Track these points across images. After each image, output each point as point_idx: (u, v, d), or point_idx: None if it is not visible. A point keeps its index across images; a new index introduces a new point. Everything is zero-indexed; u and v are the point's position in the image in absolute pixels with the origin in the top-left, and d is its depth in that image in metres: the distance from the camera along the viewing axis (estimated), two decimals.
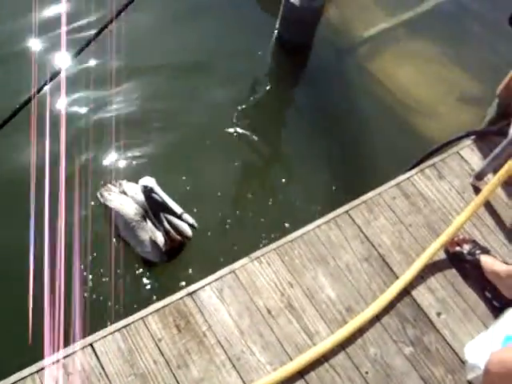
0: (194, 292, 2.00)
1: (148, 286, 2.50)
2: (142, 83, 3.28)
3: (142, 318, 1.91)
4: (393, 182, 2.44)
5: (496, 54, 3.70)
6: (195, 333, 1.91)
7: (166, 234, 2.43)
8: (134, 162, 2.92)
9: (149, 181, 2.39)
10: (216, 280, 2.04)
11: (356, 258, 2.18)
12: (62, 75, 2.27)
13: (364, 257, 2.18)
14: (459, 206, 2.39)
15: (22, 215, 2.58)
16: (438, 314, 2.07)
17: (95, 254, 2.50)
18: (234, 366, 1.86)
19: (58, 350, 1.79)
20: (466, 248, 2.17)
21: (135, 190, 2.60)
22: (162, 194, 2.38)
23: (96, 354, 1.81)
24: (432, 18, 4.00)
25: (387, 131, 3.28)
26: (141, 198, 2.50)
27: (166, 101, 3.22)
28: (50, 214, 2.30)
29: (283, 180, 2.97)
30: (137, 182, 2.56)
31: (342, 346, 1.93)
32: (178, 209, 2.35)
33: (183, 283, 2.47)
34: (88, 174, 2.73)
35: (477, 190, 2.44)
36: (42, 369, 1.75)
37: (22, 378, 1.73)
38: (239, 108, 3.27)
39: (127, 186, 2.67)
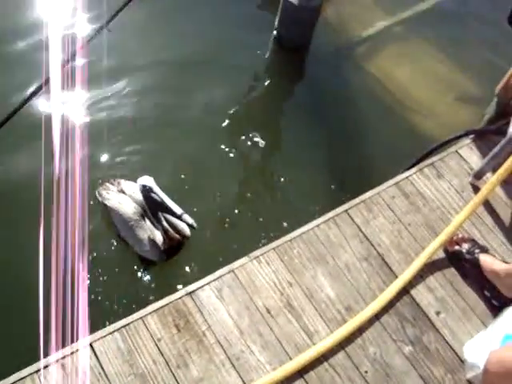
0: (194, 292, 2.00)
1: (147, 286, 2.50)
2: (139, 80, 3.28)
3: (141, 318, 1.91)
4: (392, 182, 2.44)
5: (495, 53, 3.70)
6: (194, 332, 1.91)
7: (165, 232, 2.43)
8: (132, 161, 2.91)
9: (147, 180, 2.39)
10: (215, 279, 2.04)
11: (355, 257, 2.18)
12: (54, 77, 2.27)
13: (363, 256, 2.18)
14: (458, 205, 2.39)
15: (20, 215, 2.60)
16: (438, 313, 2.07)
17: (94, 254, 2.50)
18: (233, 365, 1.86)
19: (58, 349, 1.79)
20: (465, 247, 2.17)
21: (133, 189, 2.60)
22: (160, 194, 2.38)
23: (95, 354, 1.81)
24: (431, 17, 4.00)
25: (386, 130, 3.28)
26: (139, 196, 2.49)
27: (163, 98, 3.22)
28: (45, 214, 2.30)
29: (282, 179, 2.97)
30: (135, 181, 2.55)
31: (342, 345, 1.93)
32: (177, 209, 2.34)
33: (182, 283, 2.47)
34: (85, 172, 2.72)
35: (476, 189, 2.44)
36: (42, 368, 1.75)
37: (22, 378, 1.73)
38: (237, 107, 3.27)
39: (125, 184, 2.66)
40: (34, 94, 2.18)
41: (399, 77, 3.58)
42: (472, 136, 2.66)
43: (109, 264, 2.50)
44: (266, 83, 3.52)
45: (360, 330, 1.97)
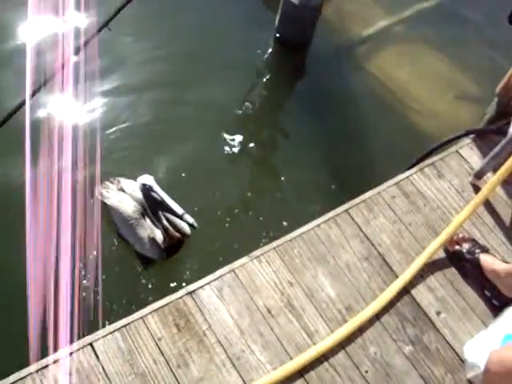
0: (194, 291, 2.00)
1: (147, 285, 2.50)
2: (138, 78, 3.28)
3: (141, 318, 1.91)
4: (392, 181, 2.44)
5: (496, 52, 3.70)
6: (195, 332, 1.91)
7: (165, 231, 2.42)
8: (131, 159, 2.90)
9: (147, 179, 2.39)
10: (216, 279, 2.04)
11: (356, 257, 2.18)
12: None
13: (364, 256, 2.18)
14: (459, 204, 2.39)
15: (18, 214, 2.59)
16: (438, 313, 2.07)
17: (94, 253, 2.50)
18: (233, 365, 1.86)
19: (58, 349, 1.79)
20: (466, 247, 2.17)
21: (133, 188, 2.59)
22: (161, 193, 2.38)
23: (96, 354, 1.81)
24: (432, 16, 4.00)
25: (386, 130, 3.28)
26: (139, 195, 2.49)
27: (162, 96, 3.22)
28: (45, 213, 2.30)
29: (282, 179, 2.96)
30: (135, 180, 2.55)
31: (342, 345, 1.93)
32: (178, 209, 2.34)
33: (182, 282, 2.47)
34: (85, 171, 2.72)
35: (476, 189, 2.44)
36: (42, 369, 1.75)
37: (22, 378, 1.73)
38: (238, 106, 3.27)
39: (125, 183, 2.66)
40: (33, 94, 2.17)
41: (399, 76, 3.58)
42: (472, 136, 2.66)
43: (109, 263, 2.50)
44: (266, 82, 3.52)
45: (360, 330, 1.97)
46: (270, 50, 3.65)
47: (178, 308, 1.95)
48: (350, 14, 3.95)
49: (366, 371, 1.90)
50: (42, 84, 2.20)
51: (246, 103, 3.34)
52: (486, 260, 2.11)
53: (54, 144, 2.76)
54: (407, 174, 2.48)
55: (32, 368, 1.74)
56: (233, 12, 3.73)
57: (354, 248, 2.20)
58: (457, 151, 2.59)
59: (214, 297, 2.00)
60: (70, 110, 3.03)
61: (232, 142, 3.08)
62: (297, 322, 1.98)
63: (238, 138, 3.11)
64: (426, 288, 2.12)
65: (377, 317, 2.01)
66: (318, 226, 2.24)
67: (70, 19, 3.32)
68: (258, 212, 2.78)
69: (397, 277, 2.11)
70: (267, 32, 3.68)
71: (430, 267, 2.16)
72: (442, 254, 2.21)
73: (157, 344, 1.86)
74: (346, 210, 2.30)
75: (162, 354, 1.84)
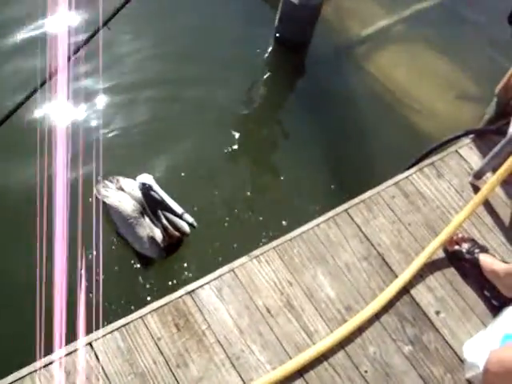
0: (193, 291, 1.99)
1: (146, 284, 2.49)
2: (136, 76, 3.27)
3: (141, 317, 1.91)
4: (392, 181, 2.44)
5: (495, 52, 3.70)
6: (194, 332, 1.90)
7: (164, 230, 2.42)
8: (131, 159, 2.90)
9: (147, 178, 2.39)
10: (215, 279, 2.04)
11: (355, 257, 2.18)
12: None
13: (363, 256, 2.18)
14: (458, 204, 2.39)
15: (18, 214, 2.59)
16: (437, 313, 2.07)
17: (93, 252, 2.50)
18: (233, 365, 1.85)
19: (57, 349, 1.79)
20: (465, 247, 2.17)
21: (132, 187, 2.59)
22: (160, 192, 2.38)
23: (95, 353, 1.81)
24: (431, 15, 4.00)
25: (386, 130, 3.28)
26: (138, 194, 2.49)
27: (160, 94, 3.22)
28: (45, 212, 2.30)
29: (282, 178, 2.96)
30: (134, 179, 2.55)
31: (342, 345, 1.93)
32: (178, 208, 2.34)
33: (182, 282, 2.47)
34: (83, 170, 2.72)
35: (476, 189, 2.44)
36: (41, 368, 1.74)
37: (21, 378, 1.72)
38: (236, 105, 3.27)
39: (124, 182, 2.66)
40: (33, 93, 2.17)
41: (399, 76, 3.58)
42: (472, 136, 2.66)
43: (108, 262, 2.49)
44: (266, 82, 3.52)
45: (360, 330, 1.97)
46: (269, 50, 3.65)
47: (178, 308, 1.95)
48: (349, 13, 3.94)
49: (366, 371, 1.90)
50: (39, 85, 2.19)
51: (246, 103, 3.34)
52: (485, 260, 2.11)
53: (52, 143, 2.75)
54: (407, 173, 2.48)
55: (31, 367, 1.74)
56: (232, 11, 3.72)
57: (354, 248, 2.20)
58: (456, 151, 2.59)
59: (213, 296, 1.99)
60: (69, 108, 3.02)
61: (231, 141, 3.08)
62: (296, 322, 1.98)
63: (238, 137, 3.11)
64: (425, 288, 2.12)
65: (376, 317, 2.01)
66: (318, 225, 2.24)
67: (69, 18, 3.32)
68: (258, 211, 2.78)
69: (396, 277, 2.11)
70: (267, 31, 3.67)
71: (430, 267, 2.16)
72: (441, 254, 2.21)
73: (156, 344, 1.86)
74: (346, 210, 2.30)
75: (162, 354, 1.84)
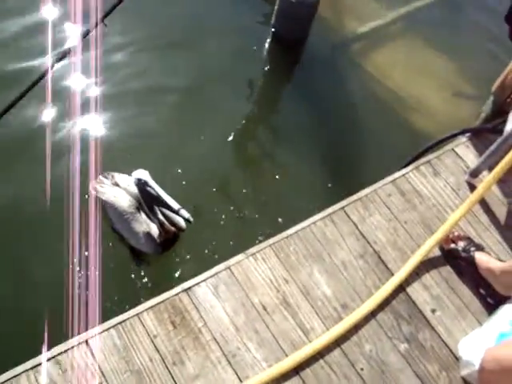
0: (190, 288, 1.99)
1: (142, 280, 2.49)
2: (134, 74, 3.26)
3: (137, 315, 1.90)
4: (388, 179, 2.44)
5: (494, 50, 3.70)
6: (191, 329, 1.90)
7: (161, 225, 2.42)
8: (126, 155, 2.89)
9: (142, 173, 2.38)
10: (211, 276, 2.03)
11: (351, 254, 2.18)
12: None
13: (359, 253, 2.18)
14: (454, 203, 2.39)
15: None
16: (433, 311, 2.08)
17: (88, 249, 2.49)
18: (229, 362, 1.85)
19: (53, 346, 1.78)
20: (461, 245, 2.18)
21: (128, 182, 2.58)
22: (156, 188, 2.37)
23: (91, 351, 1.80)
24: (428, 13, 4.00)
25: (382, 128, 3.29)
26: (134, 189, 2.48)
27: (160, 91, 3.20)
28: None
29: (278, 176, 2.96)
30: (129, 174, 2.54)
31: (338, 342, 1.93)
32: (174, 204, 2.33)
33: (178, 278, 2.47)
34: (79, 166, 2.71)
35: (472, 188, 2.44)
36: (37, 366, 1.74)
37: (16, 375, 1.71)
38: (232, 103, 3.26)
39: (119, 177, 2.64)
40: (26, 91, 2.15)
41: (396, 74, 3.58)
42: (468, 134, 2.66)
43: (103, 259, 2.48)
44: (262, 79, 3.51)
45: (356, 328, 1.97)
46: (265, 47, 3.64)
47: (174, 305, 1.95)
48: (346, 11, 3.94)
49: (362, 369, 1.91)
50: (35, 82, 2.18)
51: (241, 100, 3.33)
52: (481, 258, 2.12)
53: (49, 141, 2.76)
54: (403, 171, 2.48)
55: (27, 365, 1.73)
56: (229, 8, 3.71)
57: (350, 246, 2.20)
58: (453, 149, 2.60)
59: (209, 294, 1.99)
60: (66, 107, 3.01)
61: (227, 140, 3.07)
62: (292, 320, 1.98)
63: (233, 134, 3.10)
64: (421, 286, 2.13)
65: (372, 314, 2.01)
66: (314, 223, 2.24)
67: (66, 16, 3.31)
68: (254, 209, 2.77)
69: (392, 275, 2.12)
70: (263, 28, 3.67)
71: (426, 265, 2.17)
72: (437, 252, 2.22)
73: (152, 341, 1.86)
74: (342, 208, 2.30)
75: (158, 351, 1.84)
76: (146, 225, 2.46)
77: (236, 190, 2.87)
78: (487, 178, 2.25)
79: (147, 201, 2.43)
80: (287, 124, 3.29)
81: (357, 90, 3.48)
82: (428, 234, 2.26)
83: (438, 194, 2.42)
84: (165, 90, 3.21)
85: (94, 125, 2.97)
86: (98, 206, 2.60)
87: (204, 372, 1.82)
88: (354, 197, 2.35)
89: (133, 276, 2.50)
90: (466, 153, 2.59)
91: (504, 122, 2.36)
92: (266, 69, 3.56)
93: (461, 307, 2.10)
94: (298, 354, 1.85)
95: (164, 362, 1.82)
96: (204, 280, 2.02)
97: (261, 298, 2.01)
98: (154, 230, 2.44)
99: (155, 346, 1.85)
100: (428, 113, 3.38)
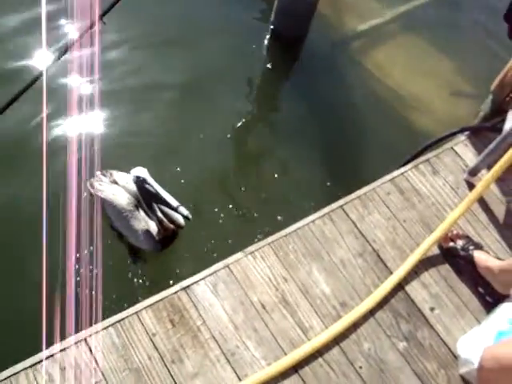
0: (188, 287, 1.99)
1: (141, 278, 2.49)
2: (133, 73, 3.25)
3: (136, 313, 1.90)
4: (387, 178, 2.44)
5: (493, 49, 3.70)
6: (189, 327, 1.90)
7: (160, 223, 2.41)
8: (124, 151, 2.88)
9: (141, 171, 2.37)
10: (210, 274, 2.03)
11: (350, 253, 2.18)
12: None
13: (358, 252, 2.19)
14: (453, 201, 2.40)
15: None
16: (432, 309, 2.08)
17: (87, 247, 2.48)
18: (228, 360, 1.86)
19: (52, 345, 1.78)
20: (460, 244, 2.18)
21: (126, 180, 2.58)
22: (155, 185, 2.36)
23: (90, 349, 1.80)
24: (428, 11, 4.00)
25: (381, 126, 3.28)
26: (133, 187, 2.48)
27: (159, 89, 3.20)
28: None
29: (277, 175, 2.96)
30: (127, 172, 2.54)
31: (336, 340, 1.94)
32: (173, 201, 2.33)
33: (177, 275, 2.46)
34: (77, 164, 2.70)
35: (471, 186, 2.44)
36: (36, 364, 1.74)
37: (15, 373, 1.72)
38: (231, 101, 3.25)
39: (118, 175, 2.64)
40: (27, 87, 2.15)
41: (395, 72, 3.58)
42: (467, 133, 2.66)
43: (102, 256, 2.48)
44: (261, 77, 3.51)
45: (355, 326, 1.98)
46: (265, 44, 3.63)
47: (173, 303, 1.95)
48: (346, 8, 3.93)
49: (360, 367, 1.91)
50: (34, 80, 2.17)
51: (240, 98, 3.32)
52: (479, 257, 2.12)
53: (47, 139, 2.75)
54: (402, 170, 2.48)
55: (26, 363, 1.74)
56: (227, 5, 3.70)
57: (349, 244, 2.20)
58: (452, 148, 2.60)
59: (208, 292, 1.99)
60: (67, 106, 3.00)
61: (226, 137, 3.07)
62: (291, 318, 1.98)
63: (232, 132, 3.10)
64: (420, 284, 2.13)
65: (371, 313, 2.02)
66: (313, 221, 2.24)
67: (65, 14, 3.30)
68: (253, 207, 2.77)
69: (391, 273, 2.12)
70: (262, 26, 3.66)
71: (425, 264, 2.17)
72: (436, 251, 2.22)
73: (151, 339, 1.86)
74: (341, 206, 2.30)
75: (157, 350, 1.84)
76: (144, 222, 2.46)
77: (235, 188, 2.86)
78: (486, 177, 2.25)
79: (146, 198, 2.43)
80: (286, 122, 3.29)
81: (356, 88, 3.48)
82: (427, 232, 2.27)
83: (436, 192, 2.42)
84: (164, 87, 3.21)
85: (92, 122, 2.96)
86: (96, 203, 2.60)
87: (203, 370, 1.82)
88: (353, 195, 2.35)
89: (131, 274, 2.50)
90: (464, 151, 2.59)
91: (503, 120, 2.37)
92: (265, 66, 3.55)
93: (459, 306, 2.10)
94: (297, 352, 1.86)
95: (163, 361, 1.82)
96: (203, 278, 2.02)
97: (260, 296, 2.01)
98: (153, 227, 2.43)
99: (154, 345, 1.85)
100: (427, 111, 3.38)
